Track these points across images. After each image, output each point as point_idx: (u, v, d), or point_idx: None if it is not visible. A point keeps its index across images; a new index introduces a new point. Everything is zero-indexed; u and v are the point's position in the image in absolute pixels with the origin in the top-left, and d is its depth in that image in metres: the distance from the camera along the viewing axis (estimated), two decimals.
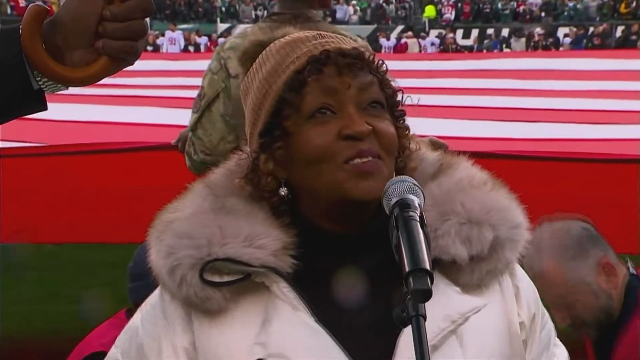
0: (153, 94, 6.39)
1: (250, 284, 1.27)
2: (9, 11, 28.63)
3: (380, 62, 1.32)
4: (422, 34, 28.01)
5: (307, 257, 1.27)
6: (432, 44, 26.80)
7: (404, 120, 1.34)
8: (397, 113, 1.33)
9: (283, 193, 1.29)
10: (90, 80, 1.07)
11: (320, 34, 1.33)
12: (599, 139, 4.81)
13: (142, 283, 2.83)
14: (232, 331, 1.26)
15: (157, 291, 1.36)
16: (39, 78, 1.06)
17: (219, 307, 1.26)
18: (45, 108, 1.09)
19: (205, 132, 2.96)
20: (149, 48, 24.31)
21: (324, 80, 1.27)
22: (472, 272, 1.29)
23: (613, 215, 3.72)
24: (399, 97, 1.34)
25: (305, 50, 1.30)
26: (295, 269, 1.26)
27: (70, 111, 5.17)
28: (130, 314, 2.95)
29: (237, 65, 2.93)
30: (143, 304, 1.38)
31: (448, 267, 1.29)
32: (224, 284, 1.26)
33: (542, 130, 5.18)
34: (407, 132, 1.34)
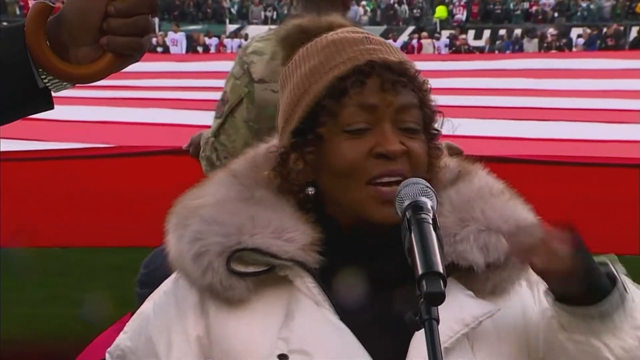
0: (162, 96, 6.38)
1: (272, 277, 1.27)
2: (17, 11, 28.75)
3: (424, 80, 1.31)
4: (437, 34, 27.97)
5: (331, 255, 1.27)
6: (445, 45, 26.77)
7: (437, 141, 1.33)
8: (431, 133, 1.32)
9: (310, 192, 1.30)
10: (96, 77, 1.07)
11: (368, 37, 1.32)
12: (614, 140, 4.81)
13: (151, 290, 2.84)
14: (252, 323, 1.26)
15: (170, 278, 1.36)
16: (44, 76, 1.06)
17: (240, 297, 1.26)
18: (51, 107, 1.08)
19: (228, 137, 2.97)
20: (159, 49, 24.36)
21: (365, 95, 1.26)
22: (487, 279, 1.29)
23: (613, 217, 3.77)
24: (437, 118, 1.33)
25: (350, 55, 1.29)
26: (320, 265, 1.26)
27: (79, 112, 5.19)
28: None
29: (260, 69, 2.96)
30: (155, 291, 1.38)
31: (462, 274, 1.29)
32: (250, 274, 1.26)
33: (556, 129, 5.18)
34: (439, 153, 1.33)
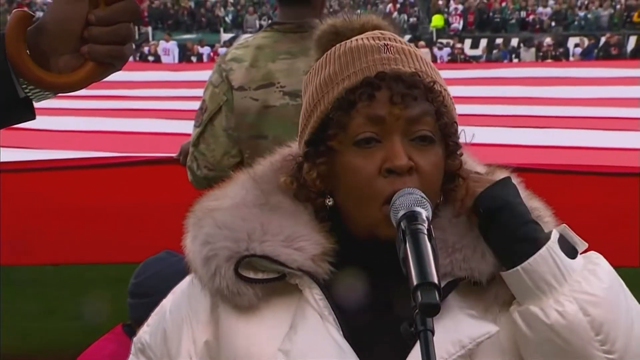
0: (153, 107, 6.36)
1: (283, 285, 1.27)
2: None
3: (441, 90, 1.29)
4: (439, 44, 27.98)
5: (343, 265, 1.27)
6: (448, 54, 26.79)
7: (459, 154, 1.32)
8: (451, 145, 1.30)
9: (329, 203, 1.30)
10: (77, 86, 1.06)
11: (387, 44, 1.30)
12: (611, 147, 4.82)
13: (145, 301, 2.83)
14: (259, 332, 1.26)
15: (187, 278, 1.37)
16: (25, 86, 1.05)
17: (248, 304, 1.27)
18: (33, 117, 1.08)
19: (208, 146, 2.94)
20: (150, 58, 24.35)
21: (373, 108, 1.26)
22: (496, 296, 1.29)
23: (612, 227, 3.72)
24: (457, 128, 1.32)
25: (363, 65, 1.28)
26: (332, 277, 1.27)
27: (69, 122, 5.18)
28: (127, 328, 2.96)
29: (240, 76, 2.95)
30: (176, 287, 1.40)
31: (469, 290, 1.28)
32: (258, 281, 1.26)
33: (553, 136, 5.20)
34: (459, 166, 1.31)
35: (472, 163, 1.36)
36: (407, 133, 1.26)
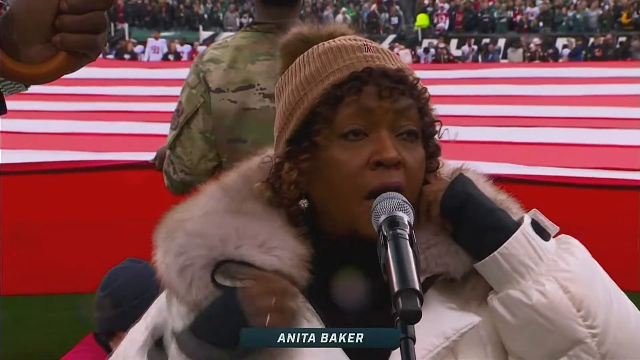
0: (132, 108, 6.28)
1: None
2: None
3: (423, 88, 1.33)
4: (426, 47, 28.05)
5: (320, 270, 1.28)
6: (432, 55, 26.88)
7: (437, 154, 1.34)
8: (431, 146, 1.33)
9: (303, 205, 1.31)
10: (49, 76, 1.05)
11: (367, 44, 1.33)
12: (599, 144, 4.85)
13: (116, 312, 2.81)
14: None
15: (162, 296, 1.36)
16: None
17: None
18: (4, 111, 1.06)
19: (184, 150, 2.92)
20: (127, 56, 24.28)
21: (362, 101, 1.27)
22: (473, 288, 1.31)
23: (610, 246, 3.62)
24: (438, 128, 1.34)
25: (348, 62, 1.30)
26: (310, 282, 1.27)
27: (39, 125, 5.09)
28: (98, 338, 2.94)
29: (217, 78, 2.93)
30: (146, 313, 1.38)
31: (446, 285, 1.30)
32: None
33: (539, 134, 5.23)
34: (436, 168, 1.34)
35: (445, 168, 1.38)
36: (394, 127, 1.28)
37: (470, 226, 1.28)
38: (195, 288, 1.26)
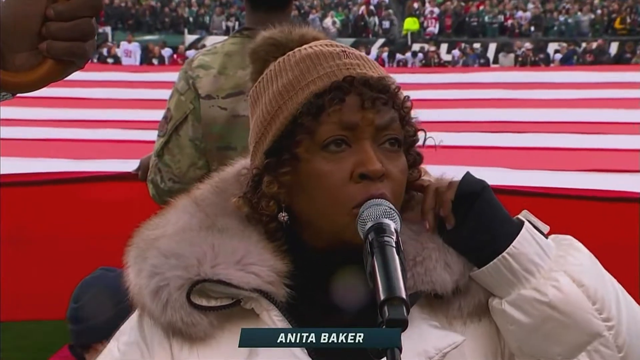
0: (110, 117, 6.18)
1: (239, 311, 1.26)
2: None
3: (406, 97, 1.32)
4: (414, 51, 28.11)
5: (301, 284, 1.27)
6: (420, 60, 26.95)
7: (419, 163, 1.34)
8: (412, 156, 1.33)
9: (283, 219, 1.29)
10: (36, 85, 1.05)
11: (345, 51, 1.32)
12: (593, 148, 4.87)
13: (89, 324, 2.78)
14: None
15: (134, 315, 1.34)
16: None
17: (204, 335, 1.26)
18: None
19: (173, 158, 2.91)
20: (110, 60, 24.22)
21: (344, 113, 1.26)
22: (460, 307, 1.30)
23: (610, 262, 3.52)
24: (420, 138, 1.34)
25: (328, 70, 1.29)
26: (288, 298, 1.26)
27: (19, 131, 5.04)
28: (73, 350, 2.91)
29: (207, 84, 2.92)
30: (119, 331, 1.37)
31: (432, 302, 1.30)
32: (212, 309, 1.25)
33: (531, 140, 5.25)
34: (417, 177, 1.34)
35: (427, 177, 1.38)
36: (376, 138, 1.28)
37: (484, 216, 1.27)
38: (171, 309, 1.25)
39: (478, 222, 1.27)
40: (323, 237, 1.29)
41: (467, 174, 1.31)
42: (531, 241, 1.26)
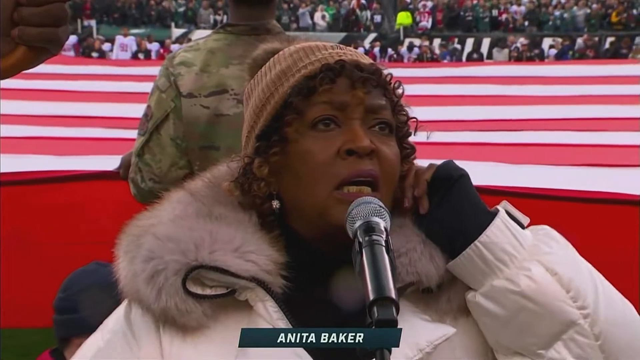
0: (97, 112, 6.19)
1: (232, 302, 1.27)
2: None
3: (397, 84, 1.35)
4: (408, 46, 28.14)
5: (295, 277, 1.28)
6: (416, 54, 26.99)
7: (411, 155, 1.36)
8: (405, 146, 1.35)
9: (276, 206, 1.31)
10: (7, 72, 1.04)
11: (339, 45, 1.37)
12: (590, 144, 4.88)
13: (73, 317, 2.78)
14: (208, 351, 1.26)
15: (121, 307, 1.35)
16: None
17: (197, 324, 1.27)
18: None
19: (153, 157, 2.88)
20: (94, 54, 24.17)
21: (335, 92, 1.29)
22: (448, 300, 1.32)
23: (610, 264, 3.49)
24: (411, 128, 1.36)
25: (320, 57, 1.33)
26: (284, 289, 1.28)
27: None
28: (55, 354, 2.90)
29: (189, 82, 2.90)
30: (104, 323, 1.37)
31: (421, 297, 1.31)
32: (207, 297, 1.26)
33: (525, 137, 5.26)
34: (410, 167, 1.35)
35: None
36: (367, 120, 1.30)
37: (458, 203, 1.29)
38: (166, 295, 1.26)
39: (451, 209, 1.29)
40: (309, 222, 1.30)
41: (449, 161, 1.33)
42: (505, 231, 1.27)
